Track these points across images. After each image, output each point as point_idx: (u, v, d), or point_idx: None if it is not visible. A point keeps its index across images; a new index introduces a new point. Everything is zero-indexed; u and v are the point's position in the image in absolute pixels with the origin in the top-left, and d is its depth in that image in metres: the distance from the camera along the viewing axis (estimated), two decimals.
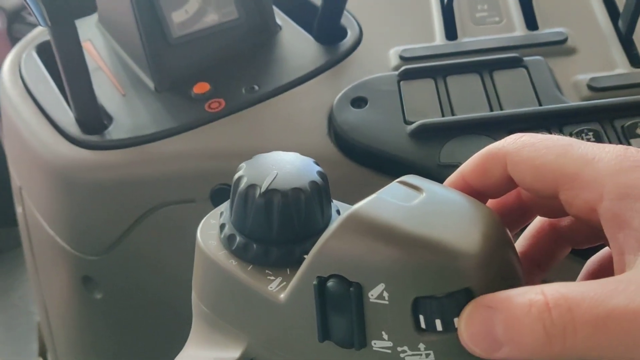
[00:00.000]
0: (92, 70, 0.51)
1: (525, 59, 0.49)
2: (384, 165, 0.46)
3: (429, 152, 0.45)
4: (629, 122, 0.44)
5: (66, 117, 0.53)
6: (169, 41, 0.53)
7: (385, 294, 0.22)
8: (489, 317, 0.21)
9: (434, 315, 0.22)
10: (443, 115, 0.47)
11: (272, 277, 0.25)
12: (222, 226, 0.27)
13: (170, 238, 0.52)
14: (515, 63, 0.49)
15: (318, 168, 0.26)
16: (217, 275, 0.26)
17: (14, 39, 0.97)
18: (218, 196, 0.49)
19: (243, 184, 0.26)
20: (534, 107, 0.46)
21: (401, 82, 0.49)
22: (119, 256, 0.53)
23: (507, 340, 0.21)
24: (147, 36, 0.52)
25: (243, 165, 0.26)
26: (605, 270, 0.26)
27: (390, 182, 0.24)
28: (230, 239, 0.26)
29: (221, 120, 0.50)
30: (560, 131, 0.44)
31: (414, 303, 0.22)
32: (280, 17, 0.58)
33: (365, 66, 0.52)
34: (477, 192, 0.26)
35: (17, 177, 0.59)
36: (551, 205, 0.25)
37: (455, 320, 0.22)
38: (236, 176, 0.26)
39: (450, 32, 0.54)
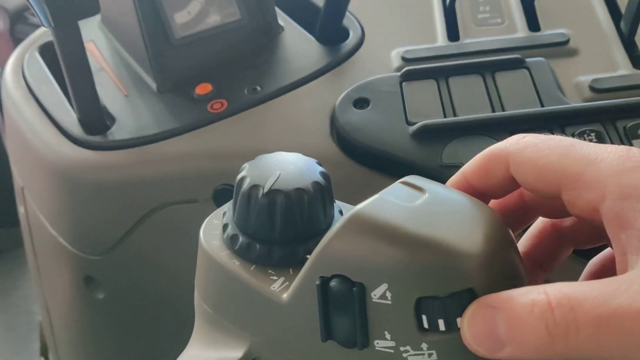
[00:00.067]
0: (94, 71, 0.51)
1: (527, 60, 0.49)
2: (386, 166, 0.46)
3: (431, 152, 0.45)
4: (631, 123, 0.44)
5: (69, 117, 0.53)
6: (172, 42, 0.53)
7: (388, 294, 0.22)
8: (491, 317, 0.21)
9: (437, 315, 0.22)
10: (445, 116, 0.47)
11: (275, 277, 0.25)
12: (224, 226, 0.27)
13: (172, 238, 0.52)
14: (518, 64, 0.49)
15: (321, 168, 0.27)
16: (220, 275, 0.26)
17: (16, 40, 0.97)
18: (220, 196, 0.49)
19: (246, 185, 0.26)
20: (535, 108, 0.46)
21: (403, 83, 0.49)
22: (122, 256, 0.53)
23: (510, 340, 0.21)
24: (150, 37, 0.52)
25: (246, 165, 0.27)
26: (607, 270, 0.26)
27: (393, 182, 0.25)
28: (233, 239, 0.26)
29: (223, 121, 0.51)
30: (562, 132, 0.44)
31: (416, 303, 0.22)
32: (282, 18, 0.58)
33: (367, 67, 0.52)
34: (479, 193, 0.26)
35: (19, 178, 0.59)
36: (553, 205, 0.26)
37: (458, 320, 0.22)
38: (239, 176, 0.26)
39: (453, 33, 0.54)
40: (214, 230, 0.27)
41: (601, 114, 0.45)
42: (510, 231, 0.25)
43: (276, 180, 0.25)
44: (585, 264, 0.28)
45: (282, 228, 0.25)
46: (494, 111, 0.46)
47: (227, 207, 0.27)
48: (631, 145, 0.43)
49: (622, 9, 0.53)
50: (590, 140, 0.43)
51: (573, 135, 0.44)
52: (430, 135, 0.45)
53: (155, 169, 0.50)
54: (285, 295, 0.25)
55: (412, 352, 0.23)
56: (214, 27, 0.55)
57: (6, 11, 1.00)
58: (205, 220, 0.28)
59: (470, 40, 0.53)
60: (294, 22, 0.58)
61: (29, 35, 0.62)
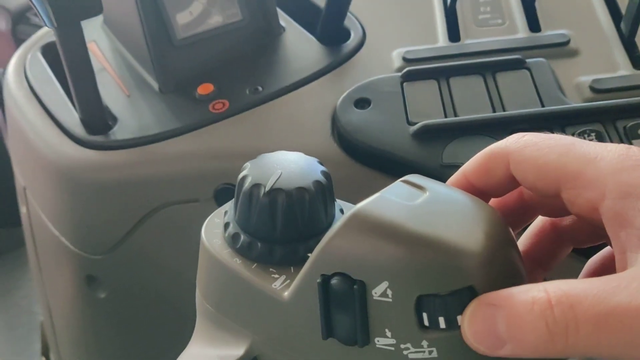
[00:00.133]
0: (97, 71, 0.51)
1: (527, 60, 0.49)
2: (387, 166, 0.46)
3: (431, 152, 0.45)
4: (631, 123, 0.44)
5: (71, 117, 0.53)
6: (174, 43, 0.53)
7: (389, 292, 0.23)
8: (491, 315, 0.21)
9: (437, 313, 0.22)
10: (446, 116, 0.47)
11: (276, 276, 0.25)
12: (226, 225, 0.27)
13: (173, 237, 0.52)
14: (518, 65, 0.49)
15: (322, 168, 0.27)
16: (222, 273, 0.26)
17: (18, 40, 0.98)
18: (222, 196, 0.49)
19: (247, 183, 0.26)
20: (536, 108, 0.46)
21: (404, 84, 0.49)
22: (123, 255, 0.53)
23: (510, 337, 0.21)
24: (152, 38, 0.53)
25: (247, 164, 0.27)
26: (606, 269, 0.27)
27: (394, 182, 0.25)
28: (234, 237, 0.26)
29: (225, 120, 0.51)
30: (563, 132, 0.44)
31: (417, 301, 0.22)
32: (283, 19, 0.58)
33: (368, 67, 0.53)
34: (479, 191, 0.26)
35: (21, 178, 0.59)
36: (553, 204, 0.26)
37: (459, 317, 0.22)
38: (241, 175, 0.26)
39: (453, 34, 0.54)
40: (215, 229, 0.27)
41: (601, 114, 0.45)
42: (511, 230, 0.25)
43: (277, 179, 0.25)
44: (584, 263, 0.28)
45: (284, 227, 0.25)
46: (494, 111, 0.47)
47: (229, 206, 0.28)
48: (631, 145, 0.43)
49: (623, 10, 0.53)
50: (591, 140, 0.43)
51: (573, 135, 0.44)
52: (431, 135, 0.46)
53: (156, 169, 0.50)
54: (286, 294, 0.25)
55: (412, 349, 0.23)
56: (215, 27, 0.55)
57: (8, 12, 1.00)
58: (207, 219, 0.28)
59: (471, 40, 0.53)
60: (295, 22, 0.58)
61: (30, 36, 0.62)
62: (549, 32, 0.53)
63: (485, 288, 0.22)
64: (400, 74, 0.50)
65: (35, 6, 0.47)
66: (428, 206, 0.23)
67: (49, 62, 0.58)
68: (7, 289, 1.14)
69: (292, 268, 0.25)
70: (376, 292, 0.23)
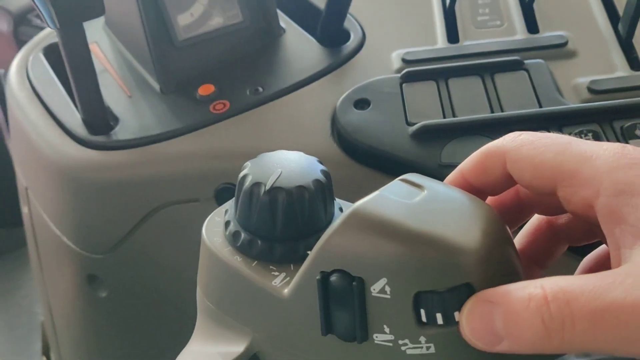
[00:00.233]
0: (98, 72, 0.51)
1: (526, 62, 0.50)
2: (386, 166, 0.46)
3: (430, 152, 0.45)
4: (628, 124, 0.45)
5: (73, 118, 0.53)
6: (175, 44, 0.54)
7: (387, 289, 0.23)
8: (489, 312, 0.22)
9: (435, 310, 0.23)
10: (444, 117, 0.47)
11: (276, 273, 0.26)
12: (227, 223, 0.27)
13: (174, 237, 0.53)
14: (516, 66, 0.50)
15: (322, 167, 0.27)
16: (222, 271, 0.27)
17: (19, 42, 0.98)
18: (222, 195, 0.50)
19: (248, 182, 0.26)
20: (534, 109, 0.46)
21: (403, 85, 0.50)
22: (124, 255, 0.53)
23: (507, 334, 0.21)
24: (153, 39, 0.53)
25: (248, 163, 0.27)
26: (601, 267, 0.27)
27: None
28: (235, 235, 0.27)
29: (226, 121, 0.51)
30: (560, 132, 0.45)
31: (415, 297, 0.23)
32: (284, 20, 0.58)
33: (368, 69, 0.53)
34: (476, 190, 0.26)
35: (23, 178, 0.60)
36: (549, 202, 0.26)
37: (456, 314, 0.22)
38: (241, 174, 0.26)
39: (452, 35, 0.55)
40: (216, 228, 0.28)
41: (598, 114, 0.45)
42: (507, 227, 0.25)
43: (278, 178, 0.26)
44: (580, 261, 0.28)
45: (284, 225, 0.26)
46: (492, 112, 0.47)
47: (229, 204, 0.28)
48: None
49: (620, 12, 0.53)
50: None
51: (570, 135, 0.44)
52: (430, 135, 0.46)
53: (157, 169, 0.50)
54: (286, 291, 0.25)
55: (410, 345, 0.23)
56: (216, 29, 0.55)
57: (10, 13, 1.00)
58: (208, 218, 0.28)
59: (470, 42, 0.54)
60: (296, 24, 0.58)
61: (32, 37, 0.62)
62: (547, 34, 0.53)
63: (482, 285, 0.23)
64: (399, 75, 0.50)
65: (38, 7, 0.47)
66: (426, 204, 0.24)
67: (51, 64, 0.58)
68: (8, 289, 1.14)
69: (292, 265, 0.26)
70: (375, 288, 0.23)
